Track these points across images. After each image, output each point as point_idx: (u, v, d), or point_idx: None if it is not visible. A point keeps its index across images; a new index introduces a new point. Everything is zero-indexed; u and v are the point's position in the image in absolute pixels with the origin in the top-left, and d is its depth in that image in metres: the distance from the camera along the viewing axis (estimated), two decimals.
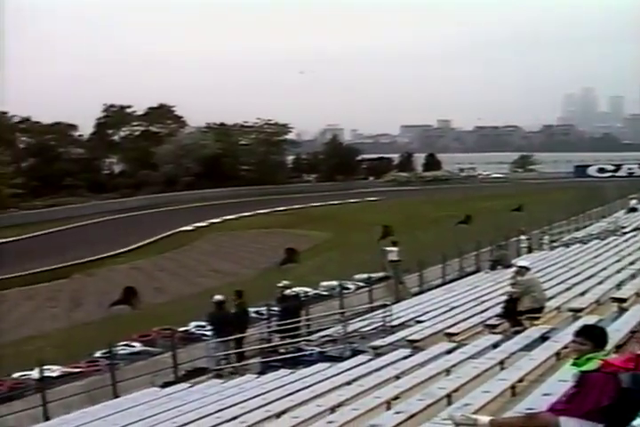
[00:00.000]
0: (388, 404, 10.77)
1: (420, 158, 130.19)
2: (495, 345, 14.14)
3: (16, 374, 22.59)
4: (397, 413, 9.58)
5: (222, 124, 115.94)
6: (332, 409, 11.08)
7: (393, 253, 33.66)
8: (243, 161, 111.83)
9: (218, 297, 21.58)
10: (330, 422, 10.05)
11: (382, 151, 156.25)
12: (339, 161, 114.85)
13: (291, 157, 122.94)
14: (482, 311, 19.28)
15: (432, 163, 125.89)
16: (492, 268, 30.88)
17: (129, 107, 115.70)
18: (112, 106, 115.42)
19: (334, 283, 32.86)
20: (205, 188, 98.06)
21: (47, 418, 18.30)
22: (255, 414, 12.00)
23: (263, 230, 66.37)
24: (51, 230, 71.91)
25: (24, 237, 68.58)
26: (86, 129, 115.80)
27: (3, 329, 34.94)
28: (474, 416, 7.84)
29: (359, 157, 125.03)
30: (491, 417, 7.83)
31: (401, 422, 9.25)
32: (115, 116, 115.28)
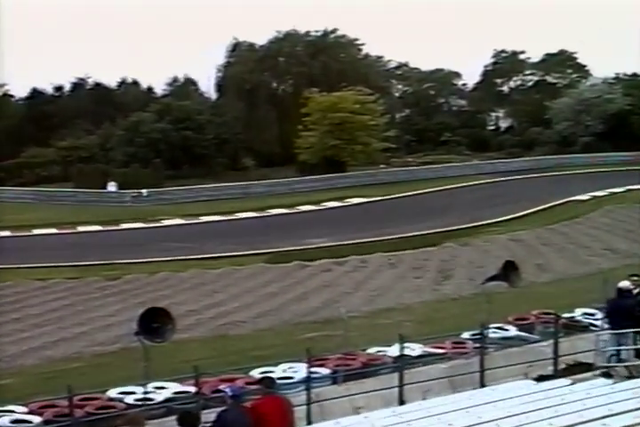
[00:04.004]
0: None
1: None
2: None
3: (371, 350, 23.10)
4: None
5: (635, 75, 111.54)
6: None
7: None
8: None
9: (625, 283, 20.66)
10: None
11: None
12: None
13: None
14: None
15: None
16: None
17: (522, 53, 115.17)
18: (503, 51, 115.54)
19: None
20: (607, 150, 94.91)
21: (402, 402, 18.43)
22: None
23: None
24: (422, 191, 73.24)
25: (392, 197, 70.69)
26: (471, 77, 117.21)
27: (360, 297, 36.17)
28: None
29: None
30: None
31: None
32: (505, 63, 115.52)
